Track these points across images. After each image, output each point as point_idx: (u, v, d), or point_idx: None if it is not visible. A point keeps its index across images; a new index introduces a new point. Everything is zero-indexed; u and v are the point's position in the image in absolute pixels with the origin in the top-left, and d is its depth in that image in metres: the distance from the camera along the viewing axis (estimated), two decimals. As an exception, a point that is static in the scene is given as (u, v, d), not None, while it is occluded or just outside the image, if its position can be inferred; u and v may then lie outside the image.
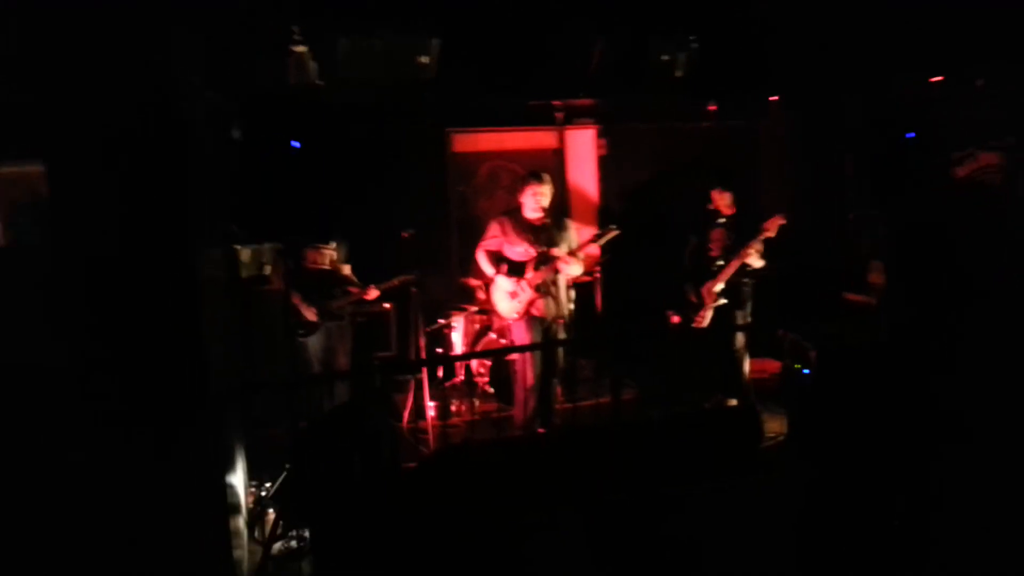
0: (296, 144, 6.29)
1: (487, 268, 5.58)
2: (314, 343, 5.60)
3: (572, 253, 5.40)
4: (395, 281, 5.64)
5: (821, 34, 6.04)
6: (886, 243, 6.67)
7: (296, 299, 5.49)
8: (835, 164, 7.49)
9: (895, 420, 4.51)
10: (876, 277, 6.52)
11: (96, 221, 3.04)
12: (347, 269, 5.76)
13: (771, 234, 5.58)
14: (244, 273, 5.73)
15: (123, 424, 3.10)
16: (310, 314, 5.52)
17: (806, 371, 5.13)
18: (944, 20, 5.36)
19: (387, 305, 6.39)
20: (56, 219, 3.07)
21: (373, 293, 5.65)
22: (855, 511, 4.04)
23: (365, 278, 5.71)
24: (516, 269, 5.45)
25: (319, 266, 5.62)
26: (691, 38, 6.15)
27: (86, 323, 3.07)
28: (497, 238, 5.52)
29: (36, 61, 2.97)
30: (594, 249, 5.71)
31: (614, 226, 5.48)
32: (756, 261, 5.64)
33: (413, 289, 5.74)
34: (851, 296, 6.60)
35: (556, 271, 5.37)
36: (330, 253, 5.63)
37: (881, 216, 6.83)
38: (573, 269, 5.42)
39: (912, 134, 6.54)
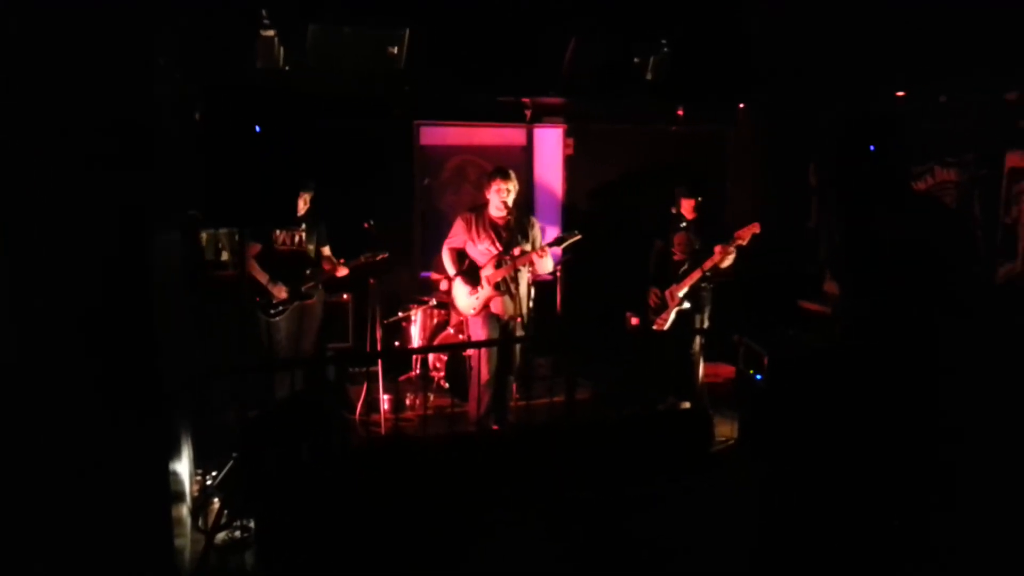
0: (258, 129, 6.21)
1: (449, 267, 5.59)
2: (285, 324, 5.61)
3: (547, 247, 5.40)
4: (361, 259, 5.73)
5: (791, 45, 6.10)
6: (840, 252, 6.77)
7: (264, 279, 5.49)
8: (799, 173, 7.58)
9: (846, 426, 4.59)
10: (832, 286, 6.62)
11: (47, 199, 2.98)
12: (327, 251, 5.81)
13: (743, 242, 5.61)
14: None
15: (67, 408, 3.05)
16: (279, 292, 5.52)
17: (759, 376, 5.18)
18: (911, 35, 5.44)
19: (345, 296, 6.36)
20: (4, 195, 3.00)
21: (342, 271, 5.73)
22: (805, 513, 4.11)
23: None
24: (477, 268, 5.46)
25: (288, 247, 5.62)
26: (663, 42, 6.17)
27: (32, 306, 3.00)
28: (460, 235, 5.53)
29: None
30: (556, 250, 5.73)
31: (576, 231, 5.50)
32: (729, 259, 5.66)
33: (371, 280, 5.73)
34: (806, 304, 6.69)
35: (517, 269, 5.37)
36: (299, 234, 5.65)
37: (839, 226, 6.93)
38: (545, 264, 5.43)
39: (873, 147, 6.63)
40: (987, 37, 5.12)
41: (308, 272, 5.67)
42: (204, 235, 5.60)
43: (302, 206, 5.65)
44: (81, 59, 2.92)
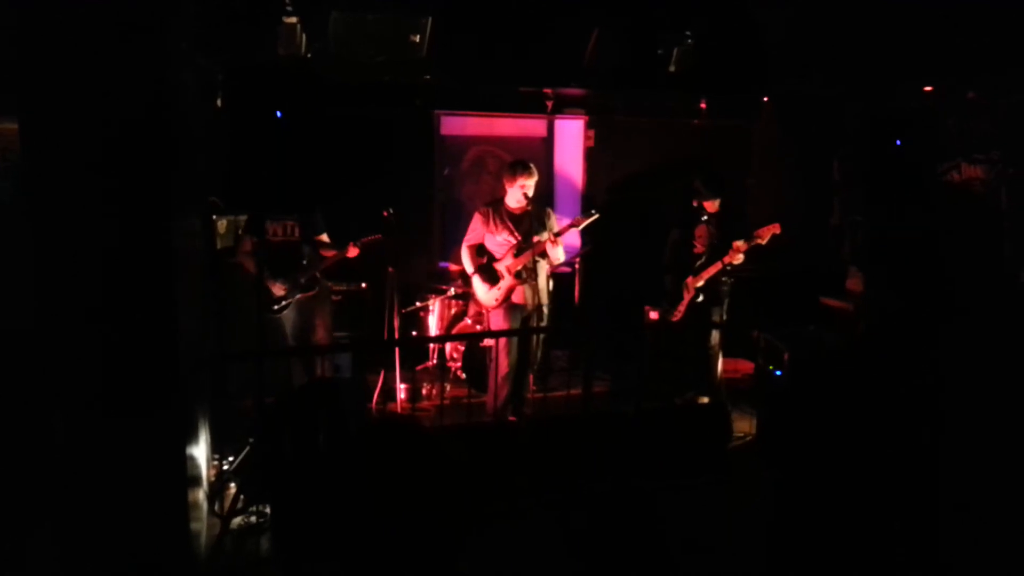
0: (279, 115, 6.22)
1: (468, 265, 5.59)
2: (288, 319, 5.51)
3: (556, 235, 5.37)
4: (362, 241, 5.55)
5: (816, 39, 6.02)
6: (865, 248, 6.70)
7: (263, 275, 5.27)
8: (822, 169, 7.51)
9: (866, 423, 4.55)
10: (854, 284, 6.55)
11: (70, 184, 2.98)
12: (324, 237, 5.63)
13: (763, 242, 5.55)
14: (220, 244, 5.66)
15: (88, 391, 3.06)
16: (277, 289, 5.41)
17: (778, 372, 5.14)
18: (938, 31, 5.36)
19: (363, 284, 6.35)
20: (28, 180, 3.01)
21: (353, 251, 5.52)
22: (823, 511, 4.07)
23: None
24: (496, 260, 5.45)
25: (281, 238, 5.48)
26: (687, 34, 6.11)
27: (53, 289, 3.02)
28: (479, 230, 5.52)
29: (15, 16, 2.90)
30: (574, 237, 5.70)
31: (593, 211, 5.46)
32: (739, 258, 5.62)
33: (389, 269, 5.71)
34: (828, 301, 6.62)
35: (535, 259, 5.34)
36: (291, 225, 5.50)
37: (864, 222, 6.86)
38: (557, 252, 5.40)
39: (900, 142, 6.55)
40: (1016, 35, 5.04)
41: (304, 263, 5.52)
42: (224, 221, 5.59)
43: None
44: (98, 45, 2.92)
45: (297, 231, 5.52)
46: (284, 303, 5.47)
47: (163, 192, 3.07)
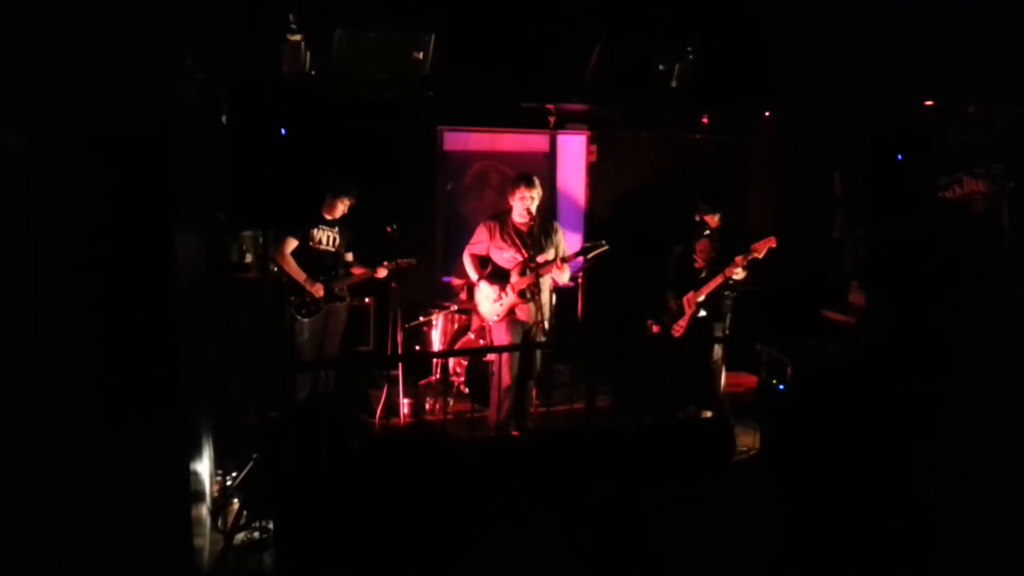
0: (283, 131, 6.25)
1: (471, 272, 5.57)
2: (314, 323, 5.71)
3: (564, 260, 5.38)
4: (395, 263, 5.85)
5: (817, 54, 6.04)
6: (866, 261, 6.70)
7: (301, 278, 5.61)
8: (822, 182, 7.52)
9: (869, 437, 4.53)
10: (856, 297, 6.54)
11: (75, 198, 3.00)
12: (349, 256, 5.96)
13: (759, 256, 5.56)
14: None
15: (90, 404, 3.07)
16: (317, 290, 5.65)
17: (782, 386, 5.13)
18: (940, 45, 5.38)
19: (367, 300, 6.39)
20: (33, 193, 3.03)
21: (382, 272, 5.84)
22: (826, 527, 4.06)
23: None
24: (501, 274, 5.44)
25: (324, 248, 5.78)
26: (688, 49, 6.14)
27: (54, 302, 3.03)
28: (483, 242, 5.51)
29: (21, 29, 2.93)
30: (577, 259, 5.71)
31: (603, 242, 5.48)
32: (739, 273, 5.63)
33: (393, 284, 5.74)
34: (830, 314, 6.61)
35: (540, 276, 5.35)
36: (334, 235, 5.81)
37: (865, 236, 6.86)
38: (563, 276, 5.42)
39: (900, 156, 6.56)
40: (1017, 48, 5.06)
41: (340, 273, 5.81)
42: (228, 237, 5.63)
43: (341, 209, 5.83)
44: (98, 44, 2.95)
45: (338, 242, 5.82)
46: (315, 308, 5.69)
47: (164, 198, 3.09)
